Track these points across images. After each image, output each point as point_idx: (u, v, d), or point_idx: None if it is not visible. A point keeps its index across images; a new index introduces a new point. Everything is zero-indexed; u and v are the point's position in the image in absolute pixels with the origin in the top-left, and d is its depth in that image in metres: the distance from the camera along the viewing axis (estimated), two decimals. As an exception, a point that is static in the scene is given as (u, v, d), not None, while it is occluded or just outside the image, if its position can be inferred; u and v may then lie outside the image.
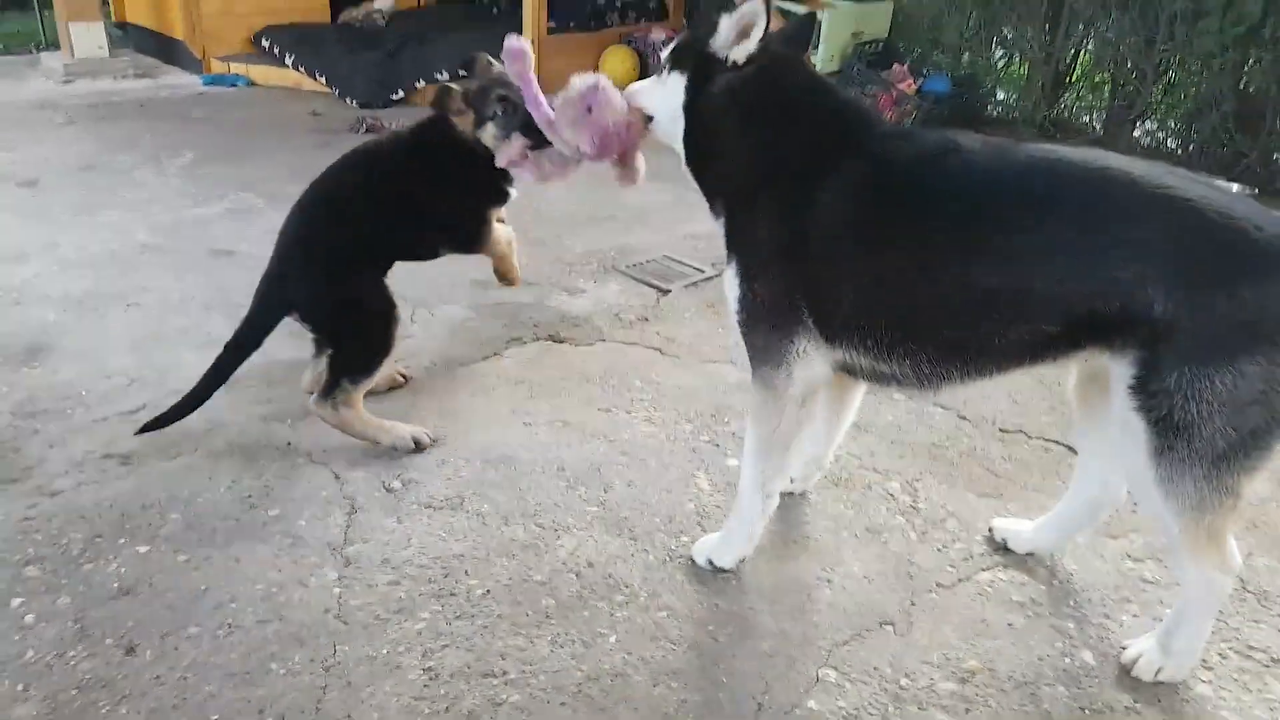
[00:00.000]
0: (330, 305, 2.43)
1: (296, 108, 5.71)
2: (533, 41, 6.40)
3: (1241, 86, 5.30)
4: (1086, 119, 6.30)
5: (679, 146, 2.01)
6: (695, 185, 2.03)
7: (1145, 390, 1.68)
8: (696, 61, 1.92)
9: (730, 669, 1.85)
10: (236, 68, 6.19)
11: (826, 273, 1.86)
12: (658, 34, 6.98)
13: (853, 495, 2.38)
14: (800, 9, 6.40)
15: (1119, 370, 1.73)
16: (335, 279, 2.42)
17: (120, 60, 6.18)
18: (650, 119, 2.03)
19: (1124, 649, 1.94)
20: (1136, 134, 5.97)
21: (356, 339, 2.42)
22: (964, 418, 2.78)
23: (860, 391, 2.25)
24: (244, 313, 2.47)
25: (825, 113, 1.91)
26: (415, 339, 3.08)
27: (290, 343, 2.95)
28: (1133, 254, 1.65)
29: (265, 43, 6.31)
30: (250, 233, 3.79)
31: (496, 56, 2.37)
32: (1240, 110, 5.36)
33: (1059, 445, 2.66)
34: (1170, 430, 1.67)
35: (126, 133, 4.98)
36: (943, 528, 2.31)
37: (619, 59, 6.84)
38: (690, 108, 1.94)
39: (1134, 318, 1.66)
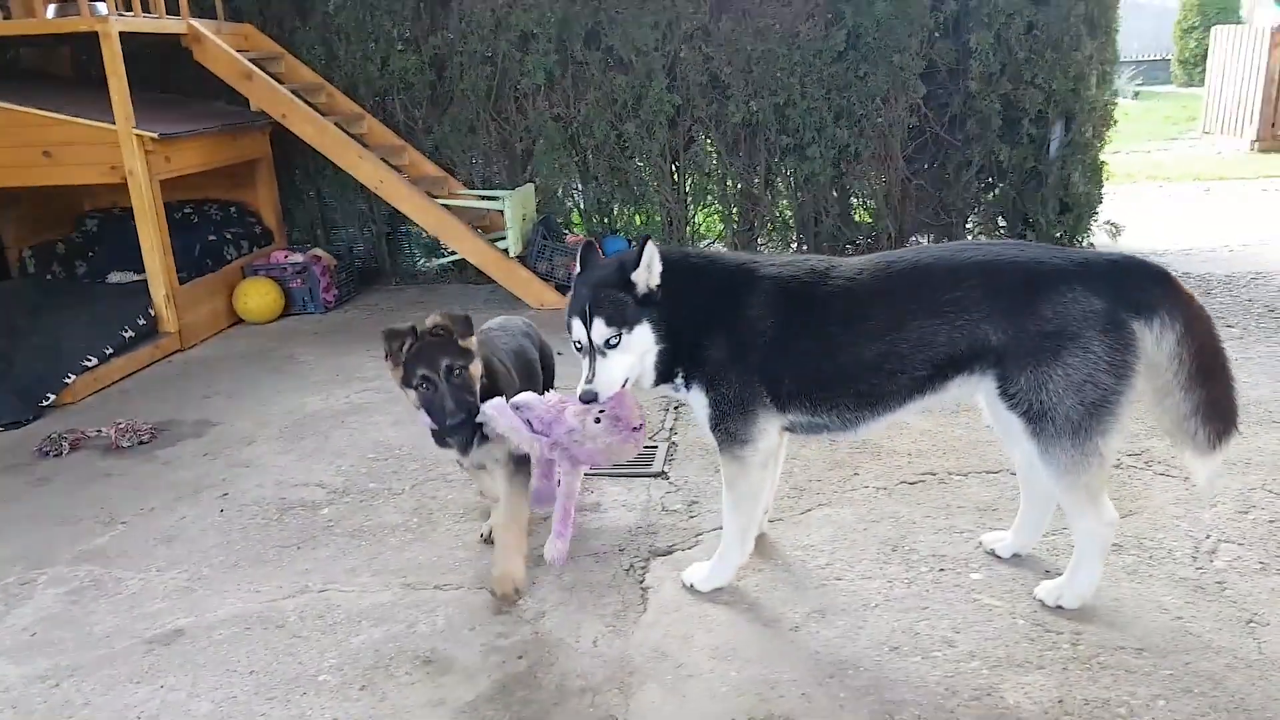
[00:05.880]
0: None
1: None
2: (167, 296, 5.58)
3: (842, 196, 6.55)
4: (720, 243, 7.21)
5: (649, 376, 2.53)
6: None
7: (1008, 394, 2.33)
8: (642, 308, 2.42)
9: None
10: None
11: (771, 364, 2.47)
12: (279, 255, 6.48)
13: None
14: (496, 205, 6.37)
15: (987, 386, 2.37)
16: None
17: None
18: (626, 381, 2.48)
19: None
20: (760, 245, 6.99)
21: None
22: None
23: (780, 460, 2.87)
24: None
25: (727, 273, 2.54)
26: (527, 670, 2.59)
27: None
28: (965, 308, 2.31)
29: None
30: (152, 605, 2.85)
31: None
32: (844, 213, 6.61)
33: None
34: (1036, 417, 2.30)
35: None
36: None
37: (259, 291, 6.29)
38: (658, 334, 2.46)
39: (980, 349, 2.32)
